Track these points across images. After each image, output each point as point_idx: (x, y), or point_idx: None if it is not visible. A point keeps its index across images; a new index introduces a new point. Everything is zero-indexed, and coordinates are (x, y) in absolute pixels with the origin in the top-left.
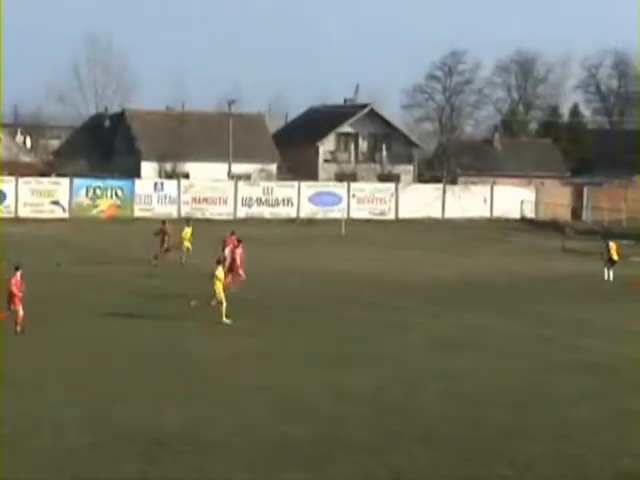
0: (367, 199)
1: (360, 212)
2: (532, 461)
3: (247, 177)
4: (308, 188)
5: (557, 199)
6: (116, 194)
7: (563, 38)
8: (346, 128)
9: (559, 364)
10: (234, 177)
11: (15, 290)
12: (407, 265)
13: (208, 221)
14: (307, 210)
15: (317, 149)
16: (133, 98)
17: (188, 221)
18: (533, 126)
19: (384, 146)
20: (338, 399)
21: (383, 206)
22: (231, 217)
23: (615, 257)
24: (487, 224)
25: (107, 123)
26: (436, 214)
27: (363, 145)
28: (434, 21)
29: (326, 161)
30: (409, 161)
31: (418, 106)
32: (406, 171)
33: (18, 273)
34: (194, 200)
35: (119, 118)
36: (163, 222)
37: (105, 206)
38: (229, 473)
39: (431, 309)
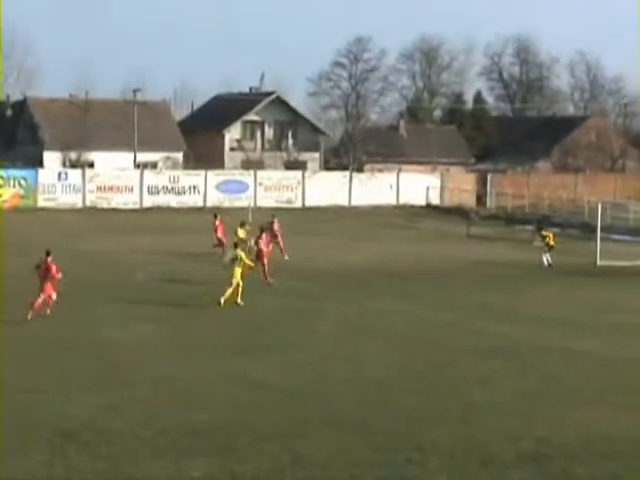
0: (274, 187)
1: (267, 200)
2: (437, 444)
3: (153, 165)
4: (215, 176)
5: (462, 185)
6: (19, 184)
7: (466, 26)
8: (252, 116)
9: (463, 348)
10: (140, 166)
11: (54, 274)
12: (315, 252)
13: (114, 210)
14: (214, 198)
15: (223, 137)
16: (35, 86)
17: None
18: (438, 113)
19: (290, 134)
20: (245, 386)
21: (290, 194)
22: (137, 206)
23: (552, 243)
24: (393, 211)
25: (9, 112)
26: (343, 201)
27: (269, 133)
28: (338, 7)
29: (232, 149)
30: (315, 149)
31: (324, 94)
32: (313, 159)
33: (49, 258)
34: (99, 189)
35: (21, 106)
36: (215, 215)
37: (8, 196)
38: (137, 462)
39: (338, 295)
